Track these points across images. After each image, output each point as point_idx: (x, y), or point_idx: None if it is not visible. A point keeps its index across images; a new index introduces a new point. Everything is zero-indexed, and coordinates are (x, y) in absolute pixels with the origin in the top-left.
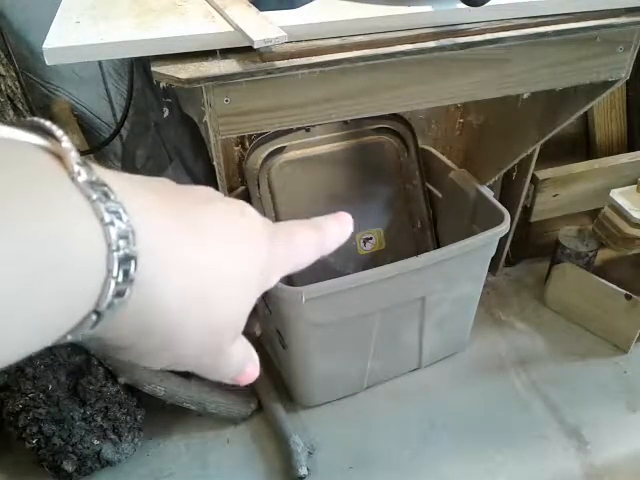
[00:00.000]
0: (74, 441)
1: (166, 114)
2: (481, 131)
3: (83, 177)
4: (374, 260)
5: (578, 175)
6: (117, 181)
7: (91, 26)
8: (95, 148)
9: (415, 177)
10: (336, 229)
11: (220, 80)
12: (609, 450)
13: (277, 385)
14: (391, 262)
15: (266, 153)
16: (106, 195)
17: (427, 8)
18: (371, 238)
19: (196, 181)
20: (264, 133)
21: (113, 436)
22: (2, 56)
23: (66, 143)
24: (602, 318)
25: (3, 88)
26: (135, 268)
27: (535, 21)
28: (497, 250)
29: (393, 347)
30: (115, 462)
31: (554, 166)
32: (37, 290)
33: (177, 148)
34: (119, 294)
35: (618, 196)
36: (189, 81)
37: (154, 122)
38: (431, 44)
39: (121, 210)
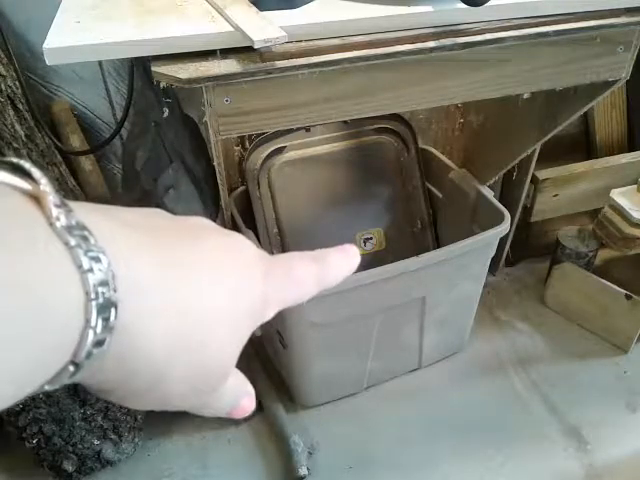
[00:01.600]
0: (74, 441)
1: (166, 114)
2: (481, 131)
3: (62, 222)
4: (374, 260)
5: (578, 175)
6: (99, 222)
7: (91, 26)
8: (95, 148)
9: (415, 177)
10: (341, 262)
11: (220, 80)
12: (609, 450)
13: (277, 385)
14: (391, 262)
15: (266, 153)
16: (85, 239)
17: (427, 8)
18: (371, 238)
19: (196, 181)
20: (264, 133)
21: (113, 436)
22: (2, 56)
23: (44, 186)
24: (602, 318)
25: (3, 88)
26: (115, 316)
27: (535, 21)
28: (497, 250)
29: (393, 347)
30: (115, 462)
31: (554, 166)
32: (8, 342)
33: (177, 148)
34: (98, 343)
35: (618, 196)
36: (189, 81)
37: (154, 122)
38: (431, 44)
39: (101, 255)
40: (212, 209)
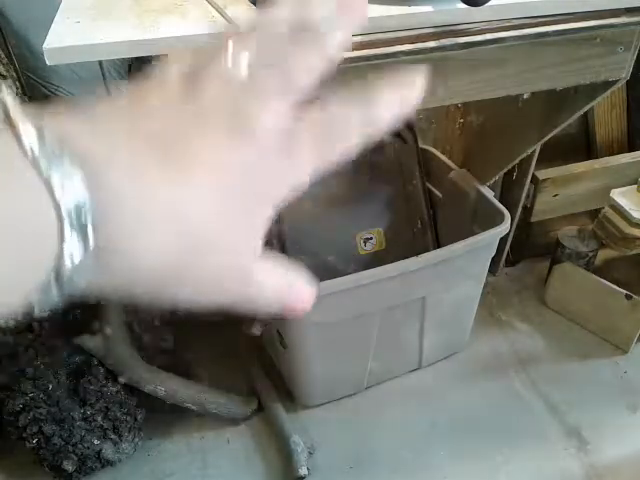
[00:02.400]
0: (74, 441)
1: None
2: (481, 131)
3: (35, 151)
4: (374, 260)
5: (578, 175)
6: (75, 137)
7: (91, 26)
8: None
9: (415, 177)
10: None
11: None
12: (609, 450)
13: (277, 385)
14: (391, 262)
15: None
16: (59, 162)
17: (427, 8)
18: (371, 238)
19: None
20: None
21: (113, 436)
22: (2, 56)
23: (15, 115)
24: (602, 318)
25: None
26: (90, 218)
27: (535, 21)
28: (497, 250)
29: (393, 347)
30: (115, 462)
31: (554, 166)
32: None
33: None
34: (78, 251)
35: (618, 196)
36: None
37: None
38: (431, 44)
39: (75, 176)
40: None
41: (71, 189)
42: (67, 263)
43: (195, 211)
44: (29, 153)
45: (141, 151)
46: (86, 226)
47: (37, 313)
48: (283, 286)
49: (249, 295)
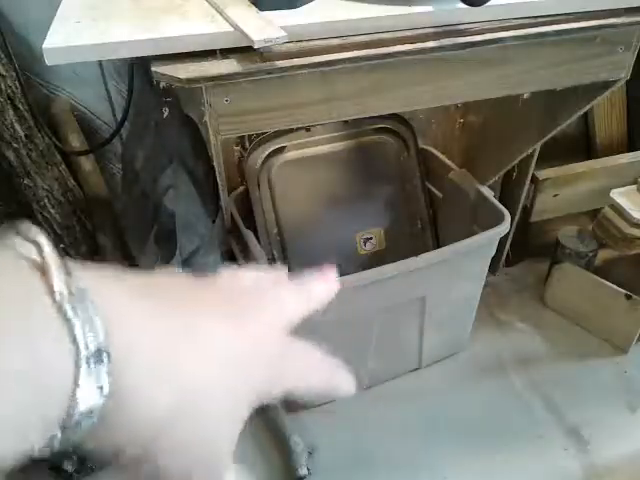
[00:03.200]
0: None
1: (166, 114)
2: (481, 131)
3: (64, 295)
4: (374, 260)
5: (578, 175)
6: (101, 289)
7: (91, 26)
8: (95, 148)
9: (415, 177)
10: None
11: (220, 80)
12: (609, 450)
13: None
14: (391, 262)
15: (266, 153)
16: (84, 308)
17: (427, 8)
18: (371, 238)
19: (196, 181)
20: (264, 133)
21: None
22: (2, 56)
23: (49, 257)
24: (602, 318)
25: (3, 88)
26: (109, 385)
27: (535, 21)
28: (497, 250)
29: (393, 347)
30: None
31: (554, 166)
32: (11, 397)
33: (177, 148)
34: (89, 412)
35: (618, 196)
36: (189, 81)
37: (154, 122)
38: (431, 44)
39: (97, 323)
40: (212, 209)
41: (91, 335)
42: (79, 409)
43: (200, 372)
44: (57, 297)
45: (158, 310)
46: (102, 371)
47: (35, 456)
48: None
49: None
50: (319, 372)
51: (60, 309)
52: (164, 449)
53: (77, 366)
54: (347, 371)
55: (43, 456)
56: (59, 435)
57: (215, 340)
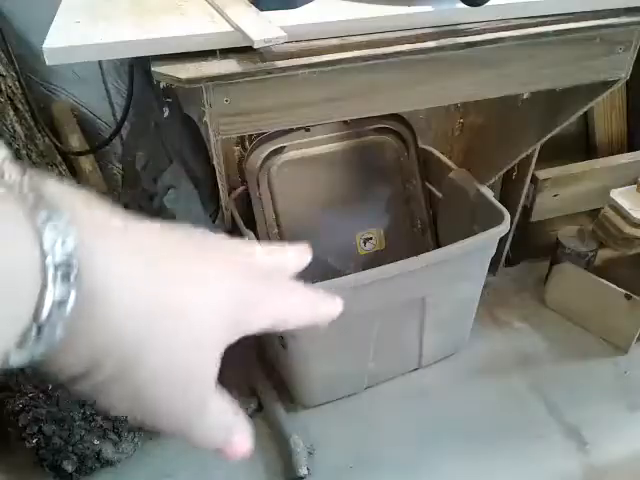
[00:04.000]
0: (74, 441)
1: (166, 114)
2: (481, 131)
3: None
4: (374, 260)
5: (578, 175)
6: (70, 202)
7: (91, 26)
8: (95, 148)
9: (415, 177)
10: (332, 305)
11: (220, 80)
12: (609, 450)
13: (277, 385)
14: (391, 262)
15: (266, 153)
16: (51, 210)
17: (427, 8)
18: (371, 238)
19: (196, 181)
20: (264, 133)
21: (113, 436)
22: (2, 56)
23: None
24: (602, 318)
25: (3, 88)
26: (76, 275)
27: (535, 21)
28: (497, 250)
29: (393, 347)
30: (115, 462)
31: (554, 166)
32: None
33: (177, 148)
34: (61, 303)
35: (618, 196)
36: (189, 81)
37: (154, 122)
38: (431, 44)
39: (62, 215)
40: (212, 209)
41: (61, 241)
42: (47, 312)
43: (179, 291)
44: (30, 201)
45: (139, 232)
46: (71, 262)
47: (12, 365)
48: (230, 425)
49: (199, 422)
50: (302, 296)
51: (29, 213)
52: (145, 368)
53: (43, 253)
54: (330, 296)
55: (23, 364)
56: (33, 331)
57: (194, 265)
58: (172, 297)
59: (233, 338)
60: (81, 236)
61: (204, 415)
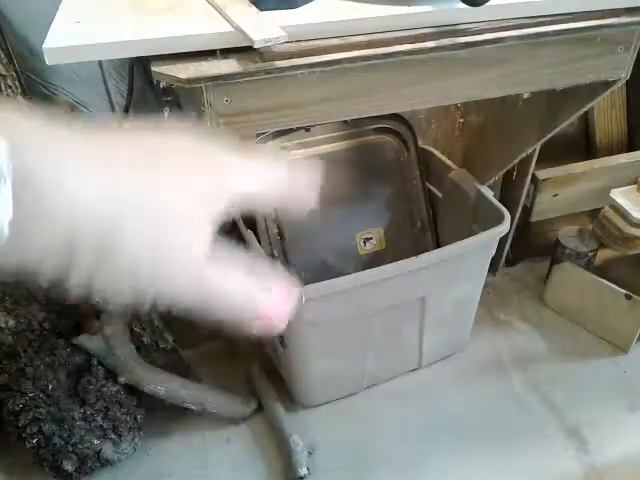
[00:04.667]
0: (74, 441)
1: (166, 114)
2: (481, 131)
3: None
4: (374, 260)
5: (578, 175)
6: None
7: (91, 26)
8: None
9: (415, 177)
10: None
11: (220, 80)
12: (609, 450)
13: (277, 385)
14: (391, 262)
15: None
16: None
17: (427, 8)
18: (371, 238)
19: None
20: (264, 133)
21: (113, 436)
22: (2, 56)
23: None
24: (602, 318)
25: (3, 88)
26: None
27: (535, 21)
28: (497, 250)
29: (393, 347)
30: (115, 462)
31: (554, 166)
32: None
33: None
34: None
35: (618, 196)
36: (189, 81)
37: (154, 122)
38: (431, 44)
39: None
40: None
41: None
42: None
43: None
44: None
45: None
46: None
47: None
48: (254, 290)
49: (211, 296)
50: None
51: None
52: (126, 244)
53: None
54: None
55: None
56: None
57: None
58: (132, 182)
59: (213, 208)
60: (13, 139)
61: (206, 283)
